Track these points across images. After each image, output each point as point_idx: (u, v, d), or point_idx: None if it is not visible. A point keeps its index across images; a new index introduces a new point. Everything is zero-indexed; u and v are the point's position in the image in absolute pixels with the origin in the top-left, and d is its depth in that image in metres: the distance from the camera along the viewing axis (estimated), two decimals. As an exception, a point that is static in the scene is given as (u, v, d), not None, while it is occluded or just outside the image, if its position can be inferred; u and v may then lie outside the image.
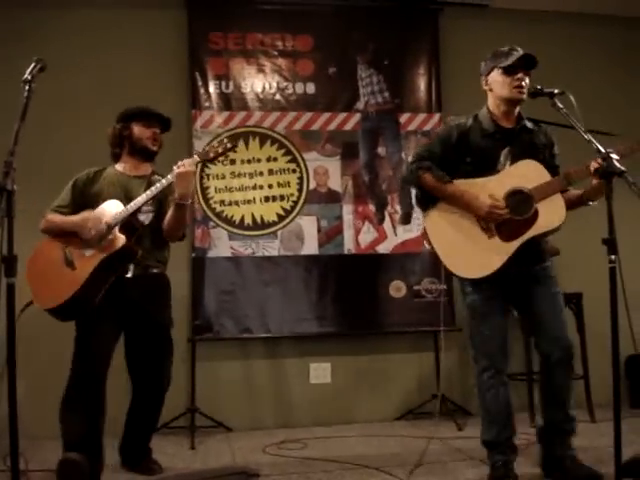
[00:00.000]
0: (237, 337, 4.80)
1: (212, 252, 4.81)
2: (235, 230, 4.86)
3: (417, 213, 5.05)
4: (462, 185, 3.09)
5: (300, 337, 4.90)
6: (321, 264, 4.95)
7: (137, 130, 3.55)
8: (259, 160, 4.96)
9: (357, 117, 5.12)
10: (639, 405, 4.86)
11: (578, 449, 3.10)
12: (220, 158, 3.36)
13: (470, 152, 3.12)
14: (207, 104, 4.94)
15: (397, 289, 5.00)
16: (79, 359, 3.30)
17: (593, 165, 2.82)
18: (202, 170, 4.84)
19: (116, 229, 3.26)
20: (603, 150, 2.65)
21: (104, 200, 3.37)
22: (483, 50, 5.05)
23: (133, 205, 3.28)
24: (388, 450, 4.03)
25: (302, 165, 5.01)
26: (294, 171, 5.00)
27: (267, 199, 4.94)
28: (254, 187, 4.93)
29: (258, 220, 4.90)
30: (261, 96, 5.04)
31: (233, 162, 4.90)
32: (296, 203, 4.97)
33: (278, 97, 5.06)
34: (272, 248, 4.90)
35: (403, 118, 5.17)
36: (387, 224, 5.06)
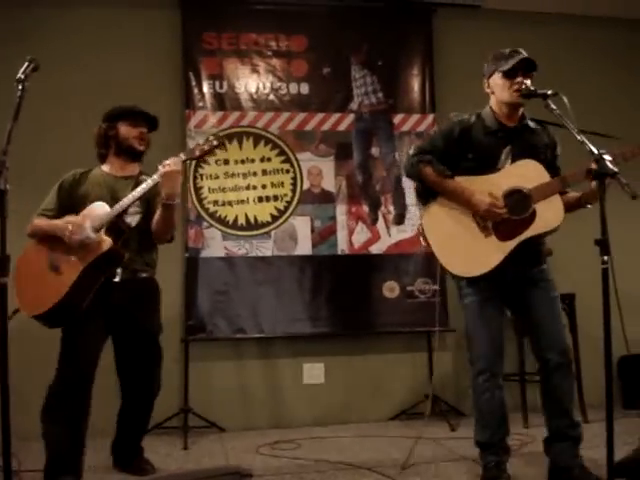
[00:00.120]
0: (230, 337, 4.79)
1: (205, 252, 4.81)
2: (229, 230, 4.86)
3: (410, 214, 5.07)
4: (462, 182, 3.09)
5: (293, 337, 4.90)
6: (315, 264, 4.95)
7: (123, 130, 3.48)
8: (253, 160, 4.96)
9: (351, 117, 5.13)
10: (631, 406, 4.88)
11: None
12: (207, 156, 3.34)
13: (472, 148, 3.12)
14: (201, 104, 4.93)
15: (390, 289, 5.01)
16: (65, 362, 3.22)
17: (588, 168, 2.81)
18: (196, 170, 4.84)
19: (102, 232, 3.20)
20: (596, 151, 2.65)
21: (91, 202, 3.31)
22: (476, 51, 5.07)
23: (119, 207, 3.22)
24: (381, 450, 4.03)
25: (296, 165, 5.01)
26: (288, 171, 5.00)
27: (261, 199, 4.94)
28: (248, 187, 4.92)
29: (252, 220, 4.90)
30: (255, 96, 5.04)
31: (227, 162, 4.90)
32: (290, 203, 4.97)
33: (272, 97, 5.06)
34: (266, 248, 4.90)
35: (397, 119, 5.18)
36: (381, 224, 5.07)
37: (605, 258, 2.50)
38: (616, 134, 3.04)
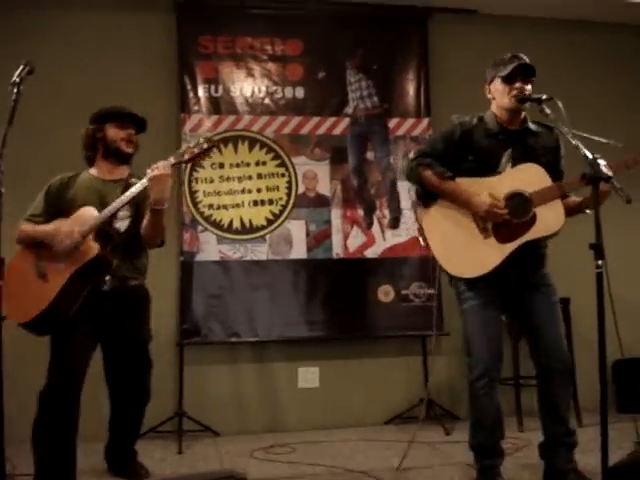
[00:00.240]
0: (225, 341, 4.79)
1: (200, 256, 4.80)
2: (224, 234, 4.85)
3: (405, 218, 5.07)
4: (462, 183, 3.08)
5: (288, 341, 4.89)
6: (310, 268, 4.95)
7: (111, 132, 3.41)
8: (248, 164, 4.96)
9: (346, 122, 5.13)
10: (626, 410, 4.88)
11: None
12: (197, 159, 3.25)
13: (473, 151, 3.11)
14: (196, 108, 4.93)
15: (385, 293, 5.01)
16: (54, 369, 3.16)
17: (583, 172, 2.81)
18: (191, 174, 4.84)
19: (90, 237, 3.14)
20: (590, 155, 2.65)
21: (79, 207, 3.25)
22: (471, 55, 5.13)
23: (107, 212, 3.16)
24: (376, 454, 4.02)
25: (291, 169, 5.01)
26: (283, 175, 5.00)
27: (256, 203, 4.94)
28: (243, 191, 4.92)
29: (247, 224, 4.89)
30: (250, 100, 5.04)
31: (222, 166, 4.90)
32: (285, 207, 4.97)
33: (267, 101, 5.06)
34: (261, 252, 4.89)
35: (392, 123, 5.18)
36: (376, 229, 5.07)
37: (599, 262, 2.51)
38: (616, 140, 3.05)
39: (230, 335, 4.77)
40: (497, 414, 3.11)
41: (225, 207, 4.88)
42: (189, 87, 4.93)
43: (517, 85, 3.05)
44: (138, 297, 3.48)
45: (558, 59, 5.37)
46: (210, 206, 4.86)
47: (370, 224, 5.07)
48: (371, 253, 5.04)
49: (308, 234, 4.97)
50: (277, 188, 4.98)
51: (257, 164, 4.97)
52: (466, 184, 3.08)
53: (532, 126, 3.17)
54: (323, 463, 3.79)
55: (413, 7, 5.28)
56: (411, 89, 5.26)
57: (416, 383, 4.98)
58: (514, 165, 3.09)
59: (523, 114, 3.16)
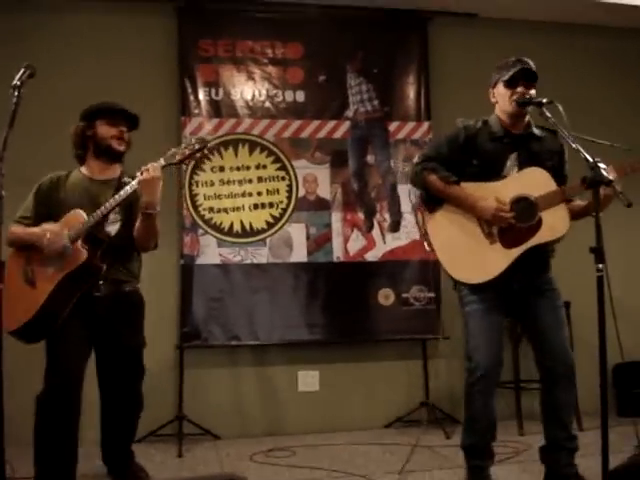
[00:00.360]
0: (225, 344, 4.78)
1: (201, 259, 4.80)
2: (224, 237, 4.85)
3: (406, 221, 5.07)
4: (468, 188, 3.08)
5: (288, 345, 4.89)
6: (310, 272, 4.94)
7: (101, 129, 3.30)
8: (248, 167, 4.96)
9: (346, 125, 5.13)
10: (626, 413, 4.87)
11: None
12: (189, 160, 3.15)
13: (477, 154, 3.10)
14: (197, 111, 4.93)
15: (386, 297, 5.00)
16: (51, 373, 3.09)
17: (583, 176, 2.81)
18: (191, 177, 4.84)
19: (79, 242, 3.05)
20: (591, 159, 2.65)
21: (69, 208, 3.17)
22: (472, 59, 5.14)
23: (95, 216, 3.07)
24: (376, 458, 4.02)
25: (291, 173, 5.01)
26: (283, 179, 5.00)
27: (256, 206, 4.93)
28: (243, 194, 4.92)
29: (247, 227, 4.89)
30: (251, 103, 5.04)
31: (222, 169, 4.90)
32: (285, 210, 4.97)
33: (268, 104, 5.06)
34: (261, 255, 4.89)
35: (392, 126, 5.18)
36: (376, 232, 5.07)
37: (600, 266, 2.51)
38: (619, 143, 3.05)
39: (230, 338, 4.76)
40: (491, 417, 3.10)
41: (225, 210, 4.88)
42: (189, 90, 4.93)
43: (519, 89, 3.05)
44: (132, 303, 3.38)
45: (559, 63, 5.36)
46: (210, 209, 4.86)
47: (370, 227, 5.06)
48: (371, 256, 5.04)
49: (308, 237, 4.97)
50: (277, 191, 4.98)
51: (257, 167, 4.97)
52: (471, 189, 3.07)
53: (536, 131, 3.17)
54: (323, 467, 3.79)
55: (413, 11, 5.28)
56: (411, 92, 5.26)
57: (416, 387, 4.98)
58: (520, 170, 3.09)
59: (527, 119, 3.15)
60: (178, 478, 3.69)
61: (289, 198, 4.98)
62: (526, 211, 3.00)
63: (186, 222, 4.81)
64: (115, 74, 4.83)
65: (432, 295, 5.01)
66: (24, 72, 2.59)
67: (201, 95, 4.95)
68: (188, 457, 4.15)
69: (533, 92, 3.05)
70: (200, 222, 4.82)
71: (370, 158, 5.14)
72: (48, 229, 3.13)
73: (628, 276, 4.87)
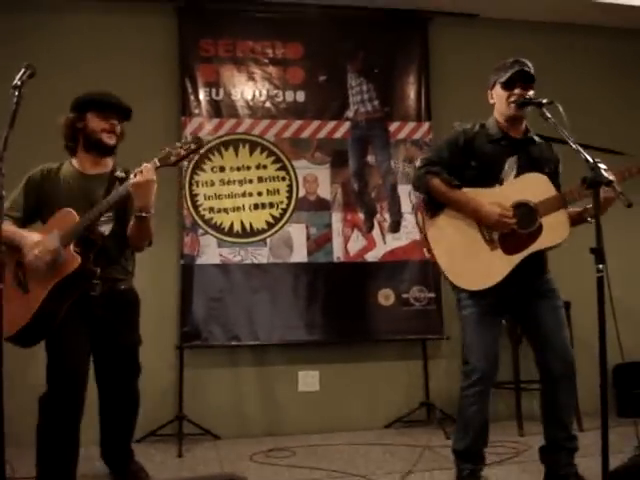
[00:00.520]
0: (225, 344, 4.78)
1: (201, 259, 4.80)
2: (224, 237, 4.85)
3: (406, 222, 5.07)
4: (469, 193, 3.07)
5: (289, 345, 4.89)
6: (310, 272, 4.94)
7: (92, 122, 3.20)
8: (249, 167, 4.96)
9: (347, 125, 5.13)
10: (626, 414, 4.87)
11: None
12: (184, 160, 3.07)
13: (475, 157, 3.10)
14: (197, 111, 4.93)
15: (386, 297, 5.00)
16: (55, 373, 3.04)
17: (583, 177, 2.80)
18: (191, 177, 4.83)
19: (71, 247, 2.96)
20: (591, 160, 2.65)
21: (60, 205, 3.09)
22: (472, 59, 5.13)
23: (88, 218, 2.98)
24: (376, 458, 4.02)
25: (292, 173, 5.01)
26: (284, 179, 5.00)
27: (256, 206, 4.93)
28: (243, 194, 4.92)
29: (247, 227, 4.89)
30: (251, 103, 5.04)
31: (223, 169, 4.90)
32: (285, 211, 4.96)
33: (268, 105, 5.06)
34: (261, 255, 4.89)
35: (393, 126, 5.18)
36: (376, 232, 5.07)
37: (600, 266, 2.50)
38: (617, 145, 3.05)
39: (230, 338, 4.76)
40: (484, 422, 3.11)
41: (226, 210, 4.88)
42: (190, 90, 4.93)
43: (516, 91, 3.05)
44: (128, 301, 3.33)
45: (559, 63, 5.36)
46: (211, 209, 4.86)
47: (371, 228, 5.06)
48: (371, 257, 5.04)
49: (309, 238, 4.97)
50: (278, 191, 4.98)
51: (258, 167, 4.97)
52: (472, 194, 3.07)
53: (535, 137, 3.17)
54: (323, 467, 3.79)
55: (414, 11, 5.28)
56: (412, 93, 5.26)
57: (416, 387, 4.99)
58: (519, 174, 3.09)
59: (524, 123, 3.16)
60: (178, 478, 3.69)
61: (289, 198, 4.98)
62: (526, 217, 3.01)
63: (186, 222, 4.81)
64: (115, 74, 4.81)
65: (432, 295, 5.01)
66: (24, 72, 2.59)
67: (201, 95, 4.95)
68: (188, 457, 4.15)
69: (531, 93, 3.05)
70: (200, 222, 4.82)
71: (370, 158, 5.14)
72: (39, 242, 3.02)
73: (628, 276, 4.87)
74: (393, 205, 5.11)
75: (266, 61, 5.09)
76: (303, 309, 4.89)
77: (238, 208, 4.90)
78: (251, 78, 5.06)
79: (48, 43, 4.72)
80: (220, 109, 4.98)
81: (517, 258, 2.99)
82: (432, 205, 3.16)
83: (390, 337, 5.00)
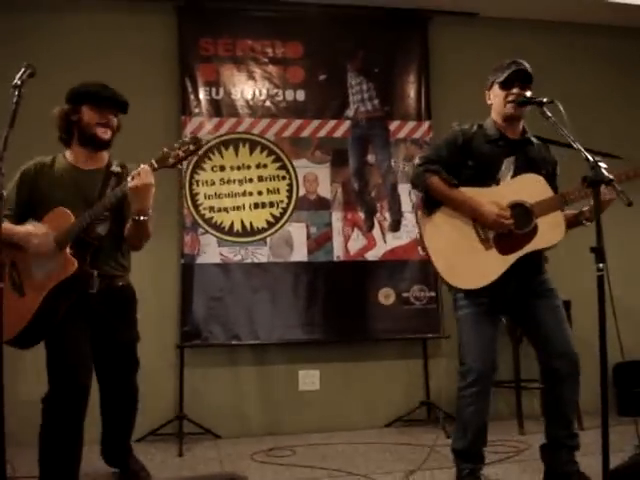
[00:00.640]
0: (226, 344, 4.78)
1: (201, 258, 4.79)
2: (224, 236, 4.85)
3: (406, 220, 5.07)
4: (467, 192, 3.07)
5: (289, 344, 4.89)
6: (310, 271, 4.94)
7: (87, 115, 3.12)
8: (249, 167, 4.95)
9: (347, 124, 5.13)
10: (627, 413, 4.87)
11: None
12: (182, 162, 3.00)
13: (472, 156, 3.11)
14: (197, 110, 4.93)
15: (386, 296, 5.00)
16: (59, 374, 2.99)
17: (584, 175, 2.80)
18: (192, 176, 4.83)
19: (67, 250, 2.93)
20: (591, 159, 2.65)
21: (54, 202, 3.04)
22: (472, 58, 5.13)
23: (82, 221, 2.94)
24: (377, 457, 4.02)
25: (292, 172, 5.01)
26: (284, 178, 5.00)
27: (257, 206, 4.93)
28: (244, 194, 4.92)
29: (247, 226, 4.89)
30: (251, 103, 5.04)
31: (223, 169, 4.90)
32: (285, 210, 4.96)
33: (268, 104, 5.06)
34: (261, 255, 4.89)
35: (393, 125, 5.18)
36: (376, 231, 5.07)
37: (600, 266, 2.50)
38: (617, 142, 3.05)
39: (231, 338, 4.76)
40: (482, 423, 3.10)
41: (226, 210, 4.88)
42: (190, 89, 4.93)
43: (514, 90, 3.05)
44: (125, 297, 3.31)
45: (559, 62, 5.36)
46: (211, 209, 4.85)
47: (371, 227, 5.06)
48: (372, 256, 5.04)
49: (309, 237, 4.97)
50: (278, 191, 4.98)
51: (258, 167, 4.97)
52: (469, 193, 3.07)
53: (532, 138, 3.18)
54: (323, 466, 3.79)
55: (414, 10, 5.28)
56: (412, 92, 5.26)
57: (417, 386, 4.99)
58: (516, 174, 3.09)
59: (522, 124, 3.16)
60: (179, 477, 3.68)
61: (289, 197, 4.98)
62: (522, 217, 3.01)
63: (186, 221, 4.80)
64: (115, 73, 4.75)
65: (432, 294, 5.01)
66: (24, 72, 2.59)
67: (201, 94, 4.95)
68: (188, 456, 4.15)
69: (529, 93, 3.06)
70: (200, 221, 4.82)
71: (370, 157, 5.14)
72: (34, 234, 3.00)
73: (628, 275, 4.87)
74: (393, 204, 5.11)
75: (266, 60, 5.09)
76: (303, 308, 4.89)
77: (238, 207, 4.90)
78: (251, 77, 5.06)
79: (48, 43, 4.72)
80: (220, 108, 4.98)
81: (512, 258, 3.00)
82: (429, 203, 3.16)
83: (390, 336, 5.00)
